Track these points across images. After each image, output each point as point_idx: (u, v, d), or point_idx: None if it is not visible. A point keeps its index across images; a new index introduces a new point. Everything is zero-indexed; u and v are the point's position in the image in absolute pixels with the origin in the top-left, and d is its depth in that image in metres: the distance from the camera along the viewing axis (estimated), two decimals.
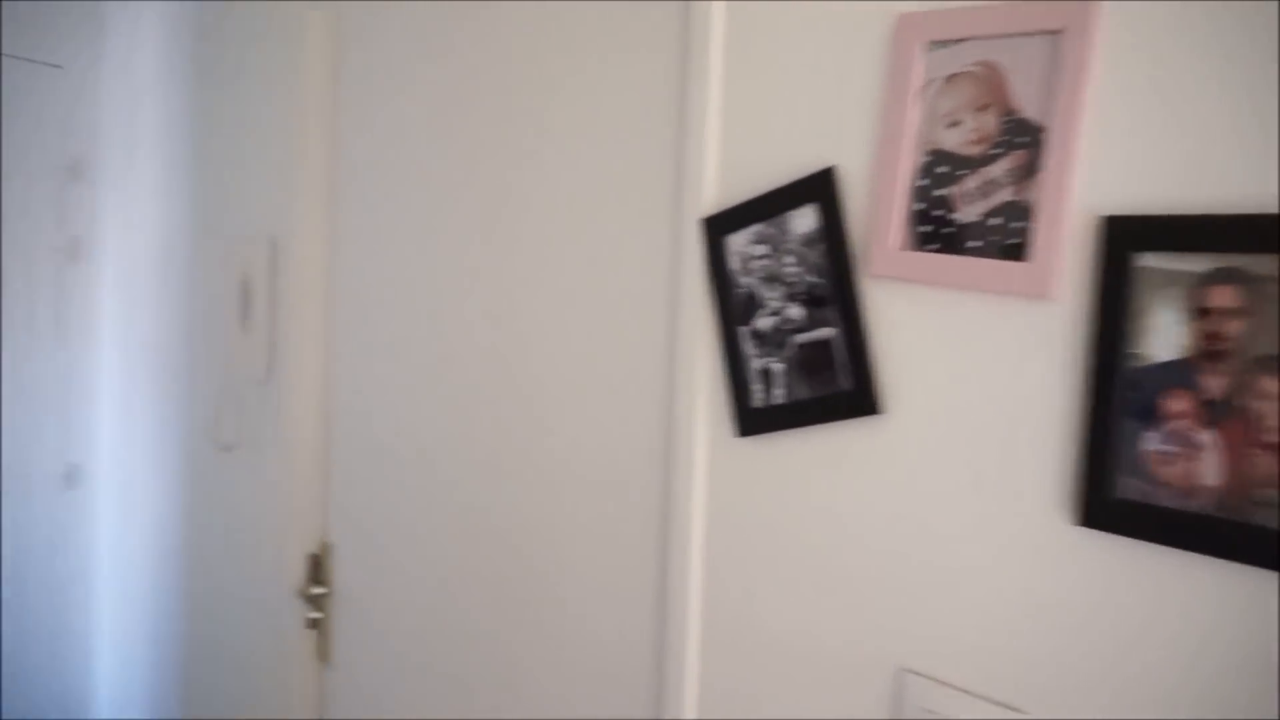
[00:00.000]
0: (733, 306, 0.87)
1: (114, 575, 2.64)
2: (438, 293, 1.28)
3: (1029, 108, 0.69)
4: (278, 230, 1.65)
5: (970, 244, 0.72)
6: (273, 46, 1.71)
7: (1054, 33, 0.67)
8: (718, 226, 0.88)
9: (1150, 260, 0.62)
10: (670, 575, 0.93)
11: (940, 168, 0.74)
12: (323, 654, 1.57)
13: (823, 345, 0.80)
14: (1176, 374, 0.61)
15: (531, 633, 1.13)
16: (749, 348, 0.86)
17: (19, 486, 2.62)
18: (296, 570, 1.57)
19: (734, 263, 0.87)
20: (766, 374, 0.84)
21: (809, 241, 0.81)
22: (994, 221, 0.71)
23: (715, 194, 0.90)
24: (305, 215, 1.55)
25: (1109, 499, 0.64)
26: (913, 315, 0.76)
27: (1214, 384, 0.60)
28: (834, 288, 0.79)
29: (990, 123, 0.71)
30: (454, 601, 1.26)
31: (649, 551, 0.97)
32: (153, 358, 2.35)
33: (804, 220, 0.81)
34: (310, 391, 1.54)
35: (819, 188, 0.81)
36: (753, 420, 0.85)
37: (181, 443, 2.15)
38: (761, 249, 0.85)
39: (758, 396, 0.85)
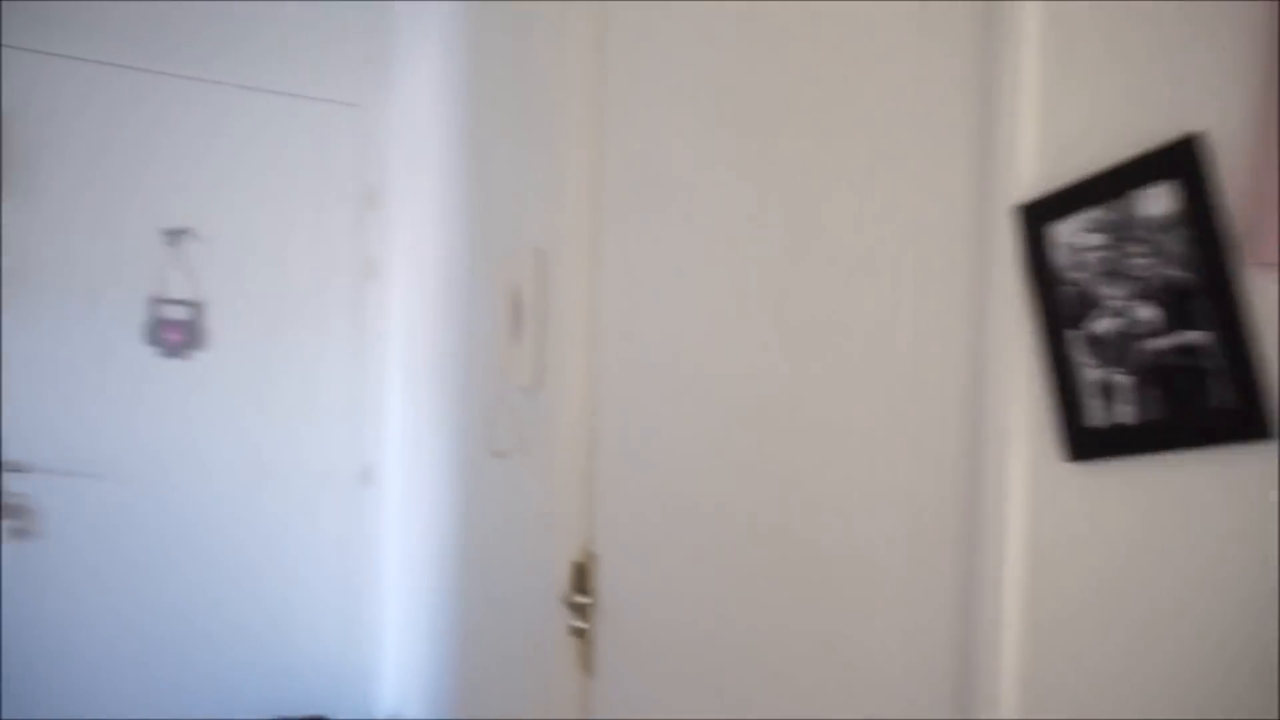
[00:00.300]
0: (1059, 307, 0.74)
1: (399, 568, 2.87)
2: (706, 299, 1.23)
3: None
4: (546, 242, 1.68)
5: None
6: (538, 61, 1.76)
7: None
8: (1038, 214, 0.75)
9: None
10: (978, 621, 0.80)
11: None
12: (586, 664, 1.57)
13: (1188, 352, 0.65)
14: None
15: (809, 659, 1.04)
16: (1082, 355, 0.72)
17: (320, 483, 2.92)
18: (561, 578, 1.59)
19: (1060, 256, 0.73)
20: (1106, 387, 0.70)
21: (1165, 226, 0.66)
22: None
23: (1033, 176, 0.77)
24: (572, 226, 1.57)
25: None
26: None
27: None
28: (1204, 281, 0.64)
29: None
30: (724, 621, 1.20)
31: (949, 585, 0.85)
32: (435, 367, 2.52)
33: (1157, 201, 0.67)
34: (577, 401, 1.55)
35: (1178, 160, 0.66)
36: (1088, 442, 0.71)
37: (460, 448, 2.28)
38: (1098, 238, 0.71)
39: (1095, 414, 0.71)
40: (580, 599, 1.54)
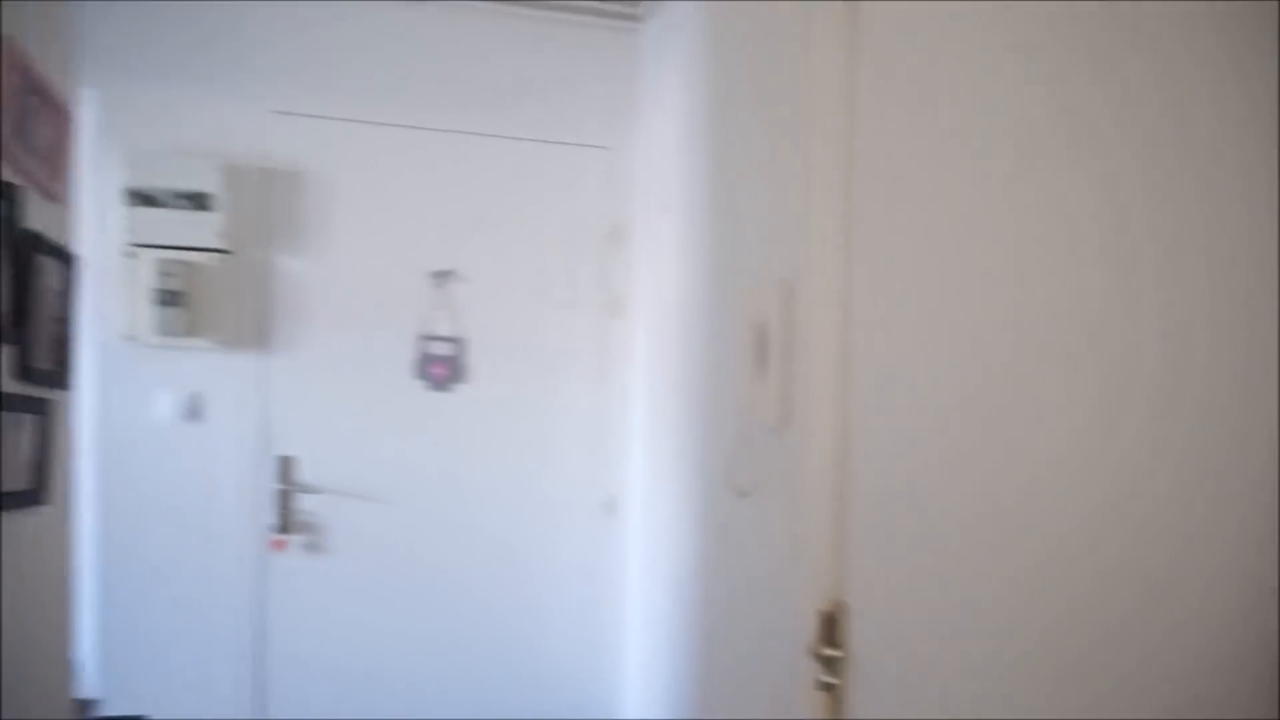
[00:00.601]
0: None
1: (642, 599, 2.88)
2: (976, 329, 1.11)
3: None
4: (792, 273, 1.62)
5: None
6: (784, 91, 1.71)
7: None
8: None
9: None
10: None
11: None
12: None
13: None
14: None
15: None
16: None
17: (567, 512, 3.00)
18: (808, 627, 1.49)
19: None
20: None
21: None
22: None
23: None
24: (820, 256, 1.50)
25: None
26: None
27: None
28: None
29: None
30: (1000, 690, 1.06)
31: None
32: (677, 402, 2.52)
33: None
34: (826, 441, 1.46)
35: None
36: None
37: (700, 484, 2.25)
38: None
39: None
40: (829, 651, 1.44)
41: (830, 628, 1.46)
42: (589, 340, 3.01)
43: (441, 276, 2.90)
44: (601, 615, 3.03)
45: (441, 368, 2.91)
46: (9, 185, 1.38)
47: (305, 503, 2.82)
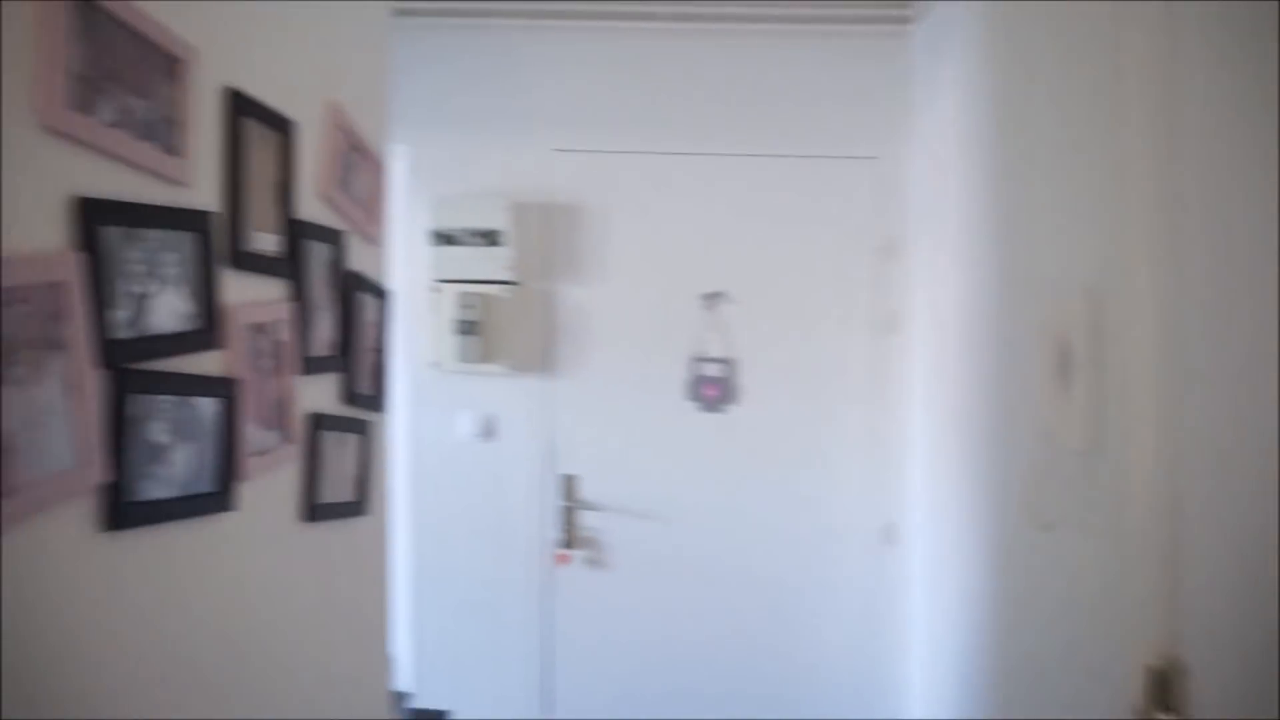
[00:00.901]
0: None
1: (926, 631, 2.70)
2: None
3: None
4: (1099, 280, 1.44)
5: None
6: (1084, 82, 1.53)
7: None
8: None
9: None
10: None
11: None
12: None
13: None
14: None
15: None
16: None
17: (842, 536, 2.89)
18: (1133, 685, 1.30)
19: None
20: None
21: None
22: None
23: None
24: (1132, 259, 1.32)
25: None
26: None
27: None
28: None
29: None
30: None
31: None
32: (961, 423, 2.34)
33: None
34: (1147, 467, 1.27)
35: None
36: None
37: (992, 513, 2.06)
38: None
39: None
40: (1162, 716, 1.24)
41: (1162, 687, 1.26)
42: (863, 359, 2.89)
43: (712, 298, 2.92)
44: (881, 646, 2.88)
45: (713, 389, 2.92)
46: (337, 232, 1.56)
47: (587, 519, 2.94)
